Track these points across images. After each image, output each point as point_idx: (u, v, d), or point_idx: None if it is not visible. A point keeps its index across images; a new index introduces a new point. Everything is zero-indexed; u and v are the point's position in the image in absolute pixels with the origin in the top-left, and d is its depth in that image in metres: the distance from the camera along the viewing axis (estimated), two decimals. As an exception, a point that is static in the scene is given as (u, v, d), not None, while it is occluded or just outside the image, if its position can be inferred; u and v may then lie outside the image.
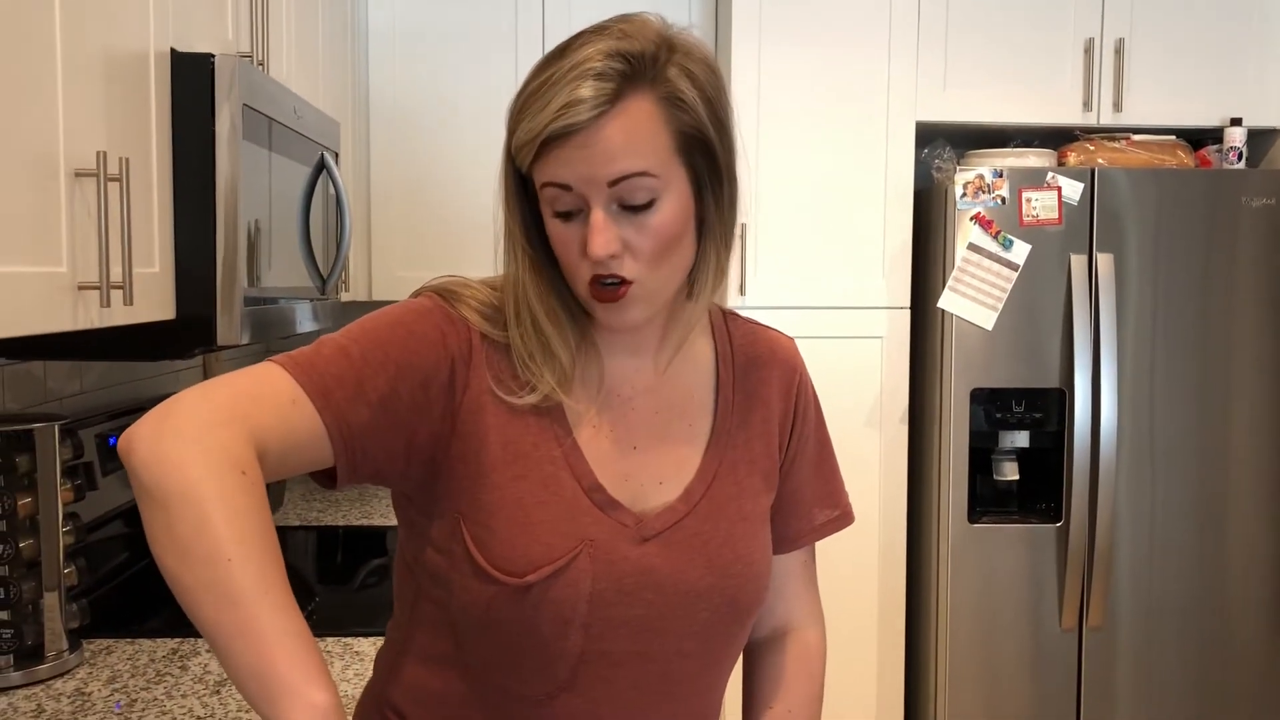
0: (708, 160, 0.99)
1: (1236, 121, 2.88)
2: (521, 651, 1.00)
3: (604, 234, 0.95)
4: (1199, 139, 2.98)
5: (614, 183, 0.94)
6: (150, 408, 2.28)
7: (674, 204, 0.97)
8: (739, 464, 1.10)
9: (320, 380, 0.92)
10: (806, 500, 1.17)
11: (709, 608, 1.04)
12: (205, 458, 0.82)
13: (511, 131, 0.97)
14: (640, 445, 1.07)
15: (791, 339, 1.19)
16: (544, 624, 0.99)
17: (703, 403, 1.11)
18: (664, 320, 1.08)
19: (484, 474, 1.01)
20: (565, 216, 0.97)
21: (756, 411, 1.12)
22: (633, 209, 0.96)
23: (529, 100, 0.95)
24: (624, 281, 0.98)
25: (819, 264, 2.92)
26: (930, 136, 2.99)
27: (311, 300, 2.12)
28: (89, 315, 1.32)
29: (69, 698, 1.49)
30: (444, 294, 1.04)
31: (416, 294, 1.05)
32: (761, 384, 1.13)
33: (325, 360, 0.94)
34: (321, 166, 2.15)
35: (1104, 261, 2.74)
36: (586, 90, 0.91)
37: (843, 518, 1.20)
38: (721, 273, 1.05)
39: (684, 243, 1.00)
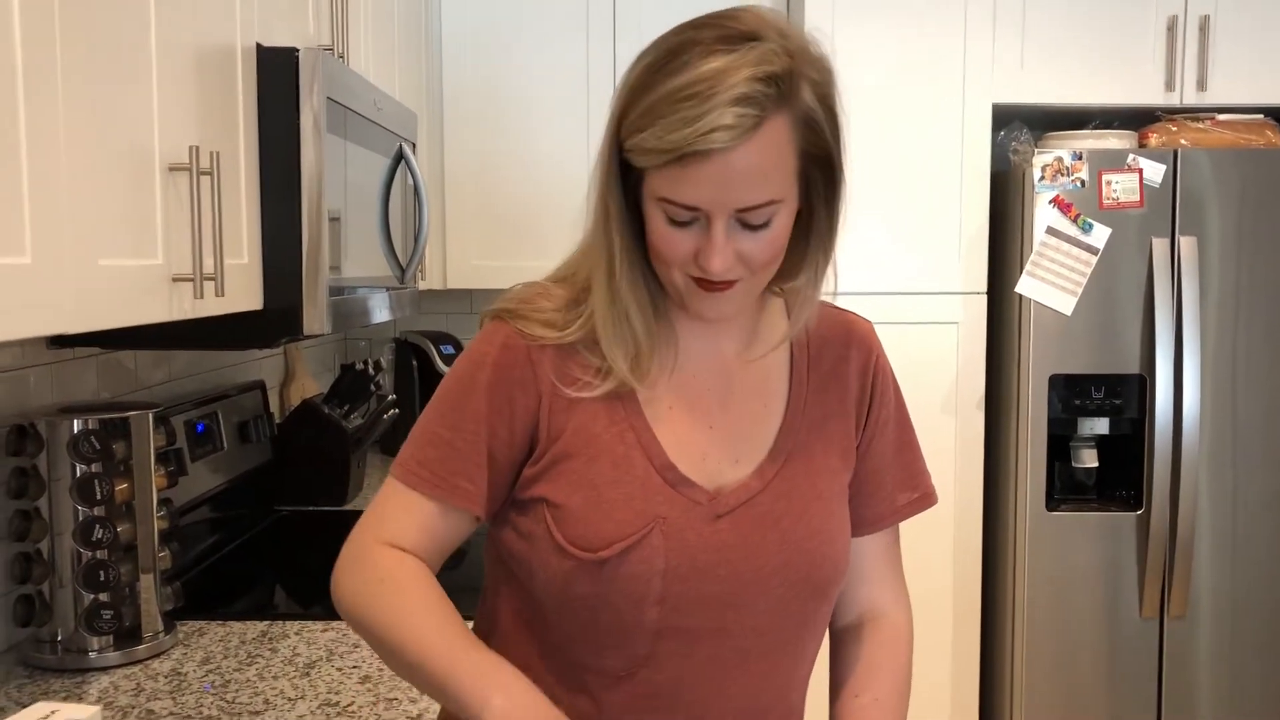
0: (825, 173, 1.02)
1: (1327, 99, 2.80)
2: (600, 626, 1.05)
3: (723, 253, 0.98)
4: (1288, 118, 2.89)
5: (742, 210, 0.97)
6: (234, 394, 2.33)
7: (787, 217, 1.01)
8: (814, 443, 1.12)
9: (431, 476, 1.07)
10: (888, 482, 1.18)
11: (784, 584, 1.07)
12: (353, 599, 1.06)
13: (632, 129, 0.97)
14: (716, 424, 1.09)
15: (868, 321, 1.20)
16: (619, 598, 1.03)
17: (778, 383, 1.13)
18: (753, 308, 1.12)
19: (562, 462, 1.06)
20: (677, 224, 0.99)
21: (833, 391, 1.14)
22: (751, 226, 0.98)
23: (661, 107, 0.94)
24: (729, 283, 1.01)
25: (894, 249, 2.89)
26: (1007, 118, 2.95)
27: (388, 290, 2.15)
28: (183, 306, 1.36)
29: (166, 677, 1.53)
30: (506, 314, 1.09)
31: (485, 315, 1.12)
32: (838, 364, 1.15)
33: (430, 458, 1.08)
34: (400, 158, 2.18)
35: (1187, 245, 2.68)
36: (730, 117, 0.92)
37: (924, 499, 1.21)
38: (826, 269, 1.07)
39: (787, 240, 1.03)
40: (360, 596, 1.05)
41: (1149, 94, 2.84)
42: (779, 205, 0.98)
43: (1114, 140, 2.82)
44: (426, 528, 1.08)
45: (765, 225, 0.98)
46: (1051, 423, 2.76)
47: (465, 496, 1.07)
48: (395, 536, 1.07)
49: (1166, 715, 2.79)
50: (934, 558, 2.94)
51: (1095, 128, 2.91)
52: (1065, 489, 2.84)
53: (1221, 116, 2.82)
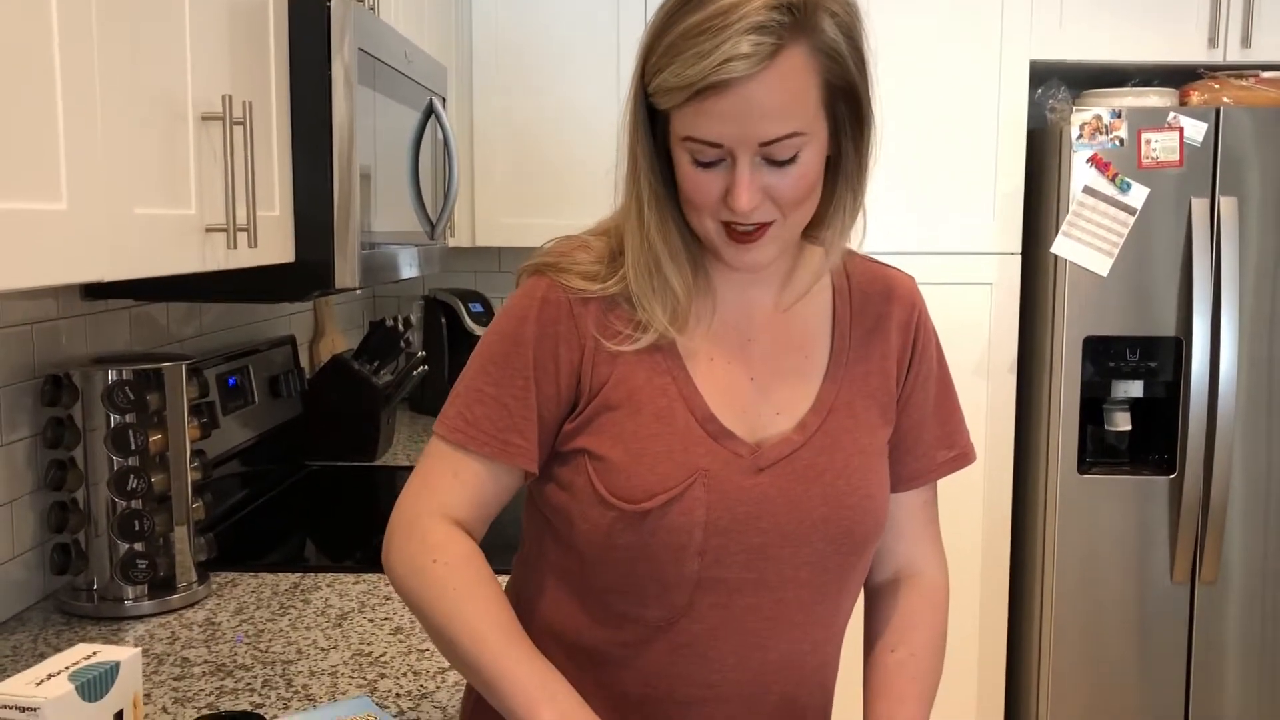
0: (851, 108, 1.00)
1: (1376, 57, 2.73)
2: (640, 576, 1.04)
3: (750, 189, 0.97)
4: (1333, 76, 2.83)
5: (765, 143, 0.95)
6: (264, 349, 2.33)
7: (815, 153, 0.99)
8: (856, 397, 1.11)
9: (481, 435, 1.06)
10: (927, 439, 1.17)
11: (824, 538, 1.06)
12: (405, 575, 1.05)
13: (654, 70, 0.97)
14: (757, 376, 1.09)
15: (911, 276, 1.19)
16: (660, 549, 1.03)
17: (820, 336, 1.12)
18: (788, 255, 1.10)
19: (604, 414, 1.05)
20: (704, 165, 0.98)
21: (874, 346, 1.13)
22: (777, 162, 0.97)
23: (679, 43, 0.94)
24: (760, 226, 0.99)
25: (927, 208, 2.86)
26: (1044, 75, 2.90)
27: (417, 245, 2.14)
28: (215, 257, 1.36)
29: (200, 626, 1.55)
30: (545, 268, 1.08)
31: (523, 270, 1.10)
32: (879, 319, 1.14)
33: (479, 416, 1.06)
34: (430, 112, 2.16)
35: (1227, 205, 2.64)
36: (746, 45, 0.91)
37: (961, 457, 1.20)
38: (855, 215, 1.05)
39: (819, 184, 1.02)
40: (410, 572, 1.05)
41: (1191, 51, 2.78)
42: (804, 138, 0.96)
43: (1154, 98, 2.77)
44: (475, 489, 1.07)
45: (792, 161, 0.97)
46: (1084, 385, 2.73)
47: (518, 453, 1.06)
48: (445, 503, 1.06)
49: (1195, 680, 2.78)
50: (964, 520, 2.92)
51: (1135, 85, 2.85)
52: (1097, 452, 2.81)
53: (1266, 74, 2.75)
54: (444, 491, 1.07)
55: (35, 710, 0.88)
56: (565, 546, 1.09)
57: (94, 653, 0.97)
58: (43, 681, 0.91)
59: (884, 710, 1.10)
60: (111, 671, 0.96)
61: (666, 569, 1.03)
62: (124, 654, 0.97)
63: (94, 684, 0.94)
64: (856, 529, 1.07)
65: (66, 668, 0.94)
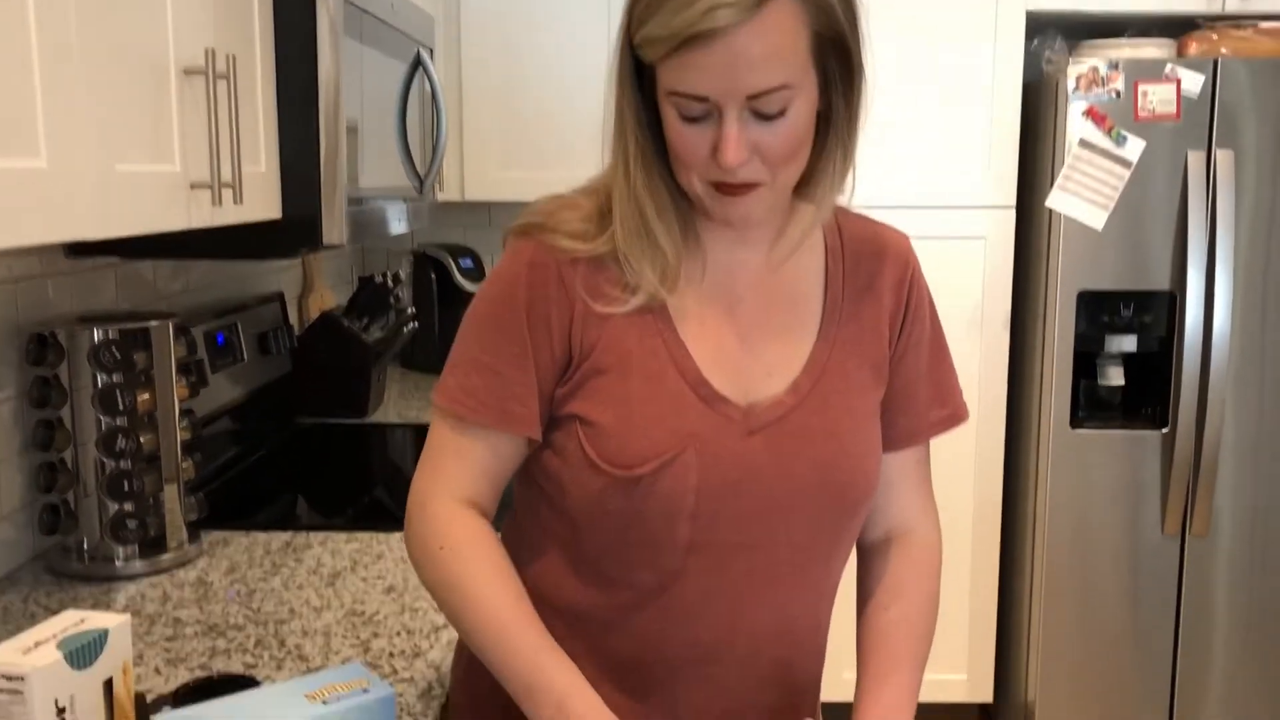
0: (841, 61, 0.98)
1: (1376, 6, 2.70)
2: (632, 541, 1.04)
3: (737, 144, 0.95)
4: (1333, 26, 2.79)
5: (753, 96, 0.93)
6: (253, 305, 2.31)
7: (804, 107, 0.97)
8: (848, 358, 1.09)
9: (480, 405, 1.05)
10: (920, 398, 1.16)
11: (816, 501, 1.06)
12: (420, 563, 1.07)
13: (640, 20, 0.95)
14: (748, 337, 1.07)
15: (904, 234, 1.17)
16: (652, 515, 1.02)
17: (811, 296, 1.10)
18: (779, 214, 1.08)
19: (594, 378, 1.04)
20: (691, 120, 0.96)
21: (867, 306, 1.11)
22: (765, 116, 0.95)
23: None
24: (748, 185, 0.98)
25: (919, 161, 2.83)
26: (1041, 26, 2.86)
27: (406, 200, 2.12)
28: (201, 214, 1.33)
29: (191, 586, 1.54)
30: (532, 229, 1.06)
31: (509, 232, 1.08)
32: (872, 278, 1.12)
33: (476, 385, 1.05)
34: (418, 64, 2.12)
35: (1223, 158, 2.61)
36: None
37: (953, 416, 1.19)
38: (845, 171, 1.04)
39: (808, 141, 1.00)
40: (423, 560, 1.06)
41: (1189, 0, 2.74)
42: (792, 91, 0.94)
43: (1152, 49, 2.73)
44: (481, 462, 1.07)
45: (781, 115, 0.95)
46: (1078, 340, 2.72)
47: (517, 420, 1.05)
48: (452, 482, 1.06)
49: (1184, 631, 2.80)
50: (956, 474, 2.93)
51: (1132, 36, 2.82)
52: (1090, 406, 2.81)
53: (1265, 24, 2.72)
54: (449, 469, 1.07)
55: (22, 679, 0.87)
56: (557, 512, 1.08)
57: (82, 620, 0.96)
58: (30, 650, 0.90)
59: (878, 669, 1.10)
60: (100, 639, 0.95)
61: (659, 534, 1.03)
62: (113, 621, 0.96)
63: (82, 652, 0.93)
64: (849, 491, 1.07)
65: (54, 635, 0.93)
